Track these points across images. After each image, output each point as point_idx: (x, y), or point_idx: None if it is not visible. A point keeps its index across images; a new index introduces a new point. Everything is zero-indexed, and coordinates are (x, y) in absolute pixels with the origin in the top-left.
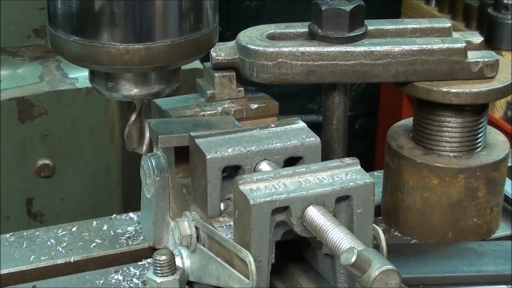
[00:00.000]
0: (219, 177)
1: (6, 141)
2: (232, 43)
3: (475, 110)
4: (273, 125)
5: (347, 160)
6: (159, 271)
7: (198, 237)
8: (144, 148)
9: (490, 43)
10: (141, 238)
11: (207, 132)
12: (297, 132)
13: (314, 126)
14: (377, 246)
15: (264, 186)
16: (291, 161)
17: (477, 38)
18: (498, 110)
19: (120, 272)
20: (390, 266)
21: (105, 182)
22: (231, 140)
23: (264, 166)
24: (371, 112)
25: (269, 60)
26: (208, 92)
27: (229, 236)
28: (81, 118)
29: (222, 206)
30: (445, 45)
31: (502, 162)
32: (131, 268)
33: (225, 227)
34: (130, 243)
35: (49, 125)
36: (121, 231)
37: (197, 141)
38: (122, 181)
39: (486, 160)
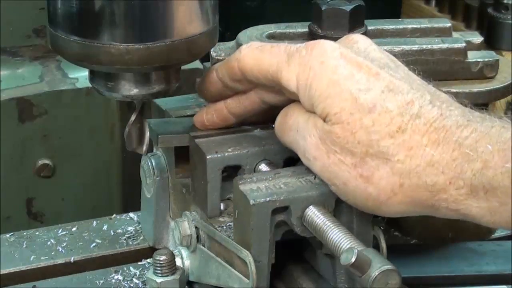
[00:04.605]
0: (219, 177)
1: (6, 141)
2: (232, 43)
3: None
4: (273, 125)
5: None
6: (159, 271)
7: (198, 237)
8: (144, 148)
9: (490, 43)
10: (141, 238)
11: (207, 132)
12: None
13: None
14: (377, 246)
15: (264, 186)
16: (291, 161)
17: (477, 38)
18: (498, 110)
19: (120, 272)
20: (390, 266)
21: (105, 182)
22: (231, 140)
23: (264, 166)
24: None
25: None
26: None
27: (229, 236)
28: (81, 118)
29: (222, 206)
30: (445, 45)
31: None
32: (131, 268)
33: (225, 227)
34: (130, 243)
35: (49, 125)
36: (121, 231)
37: (197, 141)
38: (122, 181)
39: None
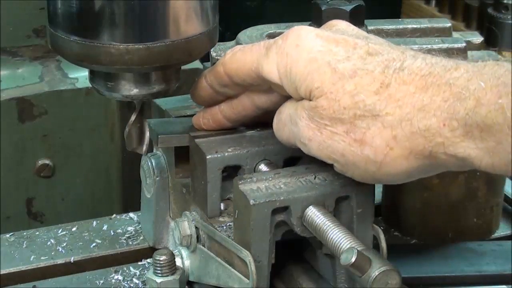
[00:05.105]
0: (219, 177)
1: (6, 141)
2: (232, 43)
3: None
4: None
5: None
6: (159, 271)
7: (198, 237)
8: (144, 148)
9: (490, 43)
10: (141, 238)
11: (207, 132)
12: None
13: None
14: (377, 246)
15: (264, 186)
16: (291, 161)
17: (477, 38)
18: None
19: (120, 272)
20: (390, 266)
21: (105, 182)
22: (231, 140)
23: (264, 166)
24: None
25: None
26: None
27: (229, 236)
28: (81, 118)
29: (222, 206)
30: (445, 45)
31: None
32: (131, 268)
33: (225, 227)
34: (130, 243)
35: (49, 125)
36: (121, 231)
37: (197, 141)
38: (122, 181)
39: None
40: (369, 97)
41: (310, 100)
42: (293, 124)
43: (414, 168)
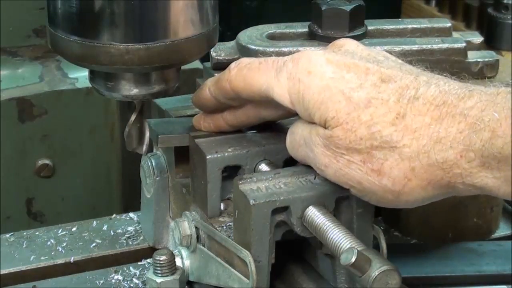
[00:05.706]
0: (219, 177)
1: (6, 141)
2: (232, 43)
3: None
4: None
5: None
6: (159, 271)
7: (198, 237)
8: (144, 148)
9: (490, 43)
10: (141, 238)
11: (207, 132)
12: None
13: None
14: (377, 246)
15: (264, 186)
16: (291, 161)
17: (477, 38)
18: None
19: (120, 272)
20: (390, 266)
21: (105, 182)
22: (231, 140)
23: (264, 166)
24: None
25: None
26: None
27: (229, 236)
28: (81, 118)
29: (222, 206)
30: (445, 45)
31: None
32: (131, 268)
33: (225, 227)
34: (130, 243)
35: (49, 125)
36: (121, 231)
37: (197, 141)
38: (122, 181)
39: None
40: (385, 128)
41: (325, 128)
42: (308, 148)
43: (431, 196)
